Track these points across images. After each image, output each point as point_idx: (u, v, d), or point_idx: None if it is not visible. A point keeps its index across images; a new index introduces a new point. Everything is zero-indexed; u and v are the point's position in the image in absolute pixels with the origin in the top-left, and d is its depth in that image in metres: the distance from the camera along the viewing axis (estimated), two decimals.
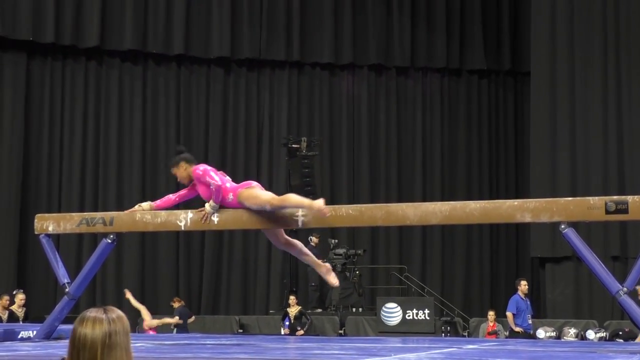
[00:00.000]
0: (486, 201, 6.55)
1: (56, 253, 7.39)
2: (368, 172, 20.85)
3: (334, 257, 17.28)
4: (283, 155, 19.43)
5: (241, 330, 16.81)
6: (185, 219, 6.79)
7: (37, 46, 18.86)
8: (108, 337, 2.59)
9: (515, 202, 6.27)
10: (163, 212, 7.04)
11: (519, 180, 21.28)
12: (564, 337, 15.25)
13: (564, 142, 18.56)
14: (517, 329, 14.14)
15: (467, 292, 20.71)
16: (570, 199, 6.30)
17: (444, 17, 21.17)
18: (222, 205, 6.66)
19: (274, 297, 19.77)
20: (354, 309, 17.16)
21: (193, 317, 16.41)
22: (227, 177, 6.80)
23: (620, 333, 15.20)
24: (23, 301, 14.72)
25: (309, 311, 16.65)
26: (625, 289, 5.80)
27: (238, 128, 20.40)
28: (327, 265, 7.11)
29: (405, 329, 15.60)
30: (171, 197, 7.00)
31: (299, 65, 20.76)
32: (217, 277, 19.94)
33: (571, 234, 5.96)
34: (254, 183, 6.75)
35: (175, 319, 15.80)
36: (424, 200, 18.96)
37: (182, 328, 15.79)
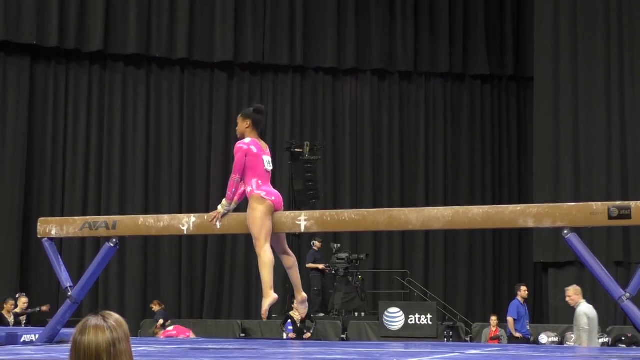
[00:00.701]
0: (489, 206, 6.54)
1: (59, 257, 7.39)
2: (371, 176, 20.85)
3: (337, 261, 17.28)
4: (286, 160, 19.44)
5: (243, 335, 16.81)
6: (188, 223, 6.79)
7: (41, 50, 18.89)
8: (113, 346, 2.55)
9: (518, 207, 6.26)
10: (166, 216, 7.04)
11: (522, 185, 21.28)
12: (567, 343, 15.23)
13: (567, 147, 18.54)
14: (517, 335, 14.13)
15: (469, 297, 20.70)
16: (573, 204, 6.29)
17: (447, 22, 21.18)
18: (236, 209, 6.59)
19: (276, 301, 19.74)
20: (356, 314, 17.15)
21: (170, 322, 16.45)
22: (266, 167, 6.49)
23: (623, 338, 15.19)
24: (26, 305, 14.74)
25: (312, 315, 16.64)
26: (628, 294, 5.79)
27: None
28: (304, 295, 7.01)
29: (408, 334, 15.58)
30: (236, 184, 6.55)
31: (302, 69, 20.78)
32: (220, 281, 19.94)
33: (574, 239, 5.95)
34: (273, 198, 6.45)
35: (161, 322, 15.93)
36: (427, 205, 18.97)
37: None
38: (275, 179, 20.09)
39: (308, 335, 15.35)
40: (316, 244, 17.68)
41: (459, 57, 21.24)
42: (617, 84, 18.37)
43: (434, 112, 21.37)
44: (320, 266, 17.49)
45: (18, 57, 18.82)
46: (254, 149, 6.49)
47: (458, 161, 21.28)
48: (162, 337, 14.68)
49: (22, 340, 7.33)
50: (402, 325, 15.99)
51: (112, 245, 7.04)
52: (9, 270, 18.12)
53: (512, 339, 14.14)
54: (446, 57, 21.11)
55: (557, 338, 15.47)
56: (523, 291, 14.22)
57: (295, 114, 20.80)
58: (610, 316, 17.27)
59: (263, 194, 6.44)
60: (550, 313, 18.59)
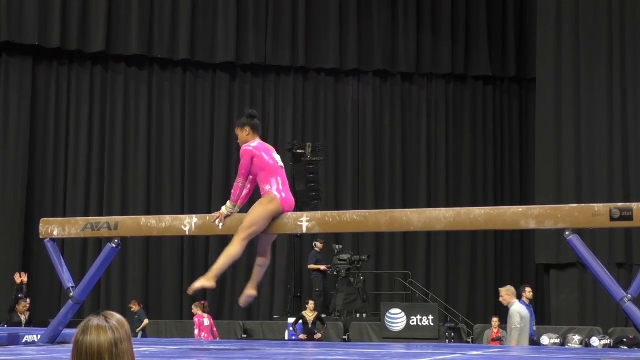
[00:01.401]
0: (491, 207, 6.54)
1: (61, 257, 7.39)
2: (372, 177, 20.85)
3: (339, 262, 17.28)
4: (288, 161, 19.40)
5: (245, 336, 16.81)
6: (190, 224, 6.79)
7: (43, 51, 18.91)
8: (115, 346, 2.55)
9: (520, 208, 6.26)
10: (168, 217, 7.04)
11: (524, 186, 21.27)
12: (568, 344, 15.22)
13: (569, 148, 18.54)
14: None
15: (471, 298, 20.69)
16: (574, 205, 6.29)
17: (449, 23, 21.18)
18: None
19: (278, 302, 19.78)
20: (358, 315, 17.15)
21: (147, 322, 16.57)
22: (279, 163, 6.50)
23: (625, 340, 15.18)
24: (27, 305, 14.73)
25: (323, 316, 16.64)
26: (629, 296, 5.79)
27: None
28: (254, 293, 6.96)
29: (409, 335, 15.58)
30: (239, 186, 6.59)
31: (304, 70, 20.79)
32: (221, 282, 19.91)
33: (576, 240, 5.95)
34: (283, 195, 6.43)
35: (147, 322, 16.16)
36: (429, 206, 18.98)
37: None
38: None
39: (319, 336, 15.37)
40: (318, 245, 17.68)
41: (461, 58, 21.24)
42: (619, 85, 18.36)
43: (435, 113, 21.36)
44: (322, 267, 17.50)
45: (20, 58, 18.84)
46: (261, 150, 6.50)
47: (460, 162, 21.28)
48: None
49: (24, 341, 7.33)
50: (403, 326, 15.99)
51: (114, 246, 7.04)
52: (11, 271, 18.10)
53: None
54: (448, 59, 21.10)
55: (558, 339, 15.46)
56: (528, 292, 14.21)
57: (297, 115, 20.81)
58: (612, 318, 17.26)
59: (278, 196, 6.42)
60: (552, 314, 18.58)
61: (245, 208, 6.77)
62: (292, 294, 18.48)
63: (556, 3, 18.99)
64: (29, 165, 18.72)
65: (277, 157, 6.61)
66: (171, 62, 19.94)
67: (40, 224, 7.33)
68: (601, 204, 6.03)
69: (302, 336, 15.44)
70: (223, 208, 6.61)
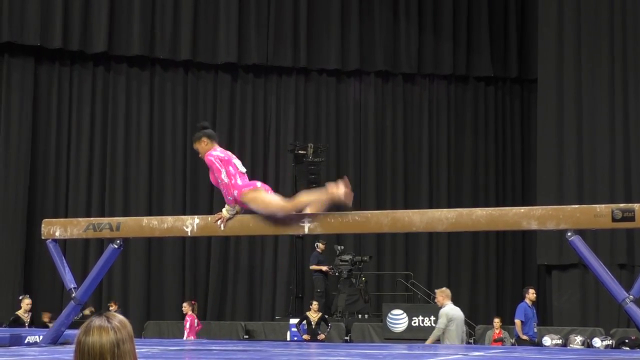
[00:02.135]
0: (492, 208, 6.55)
1: (63, 258, 7.40)
2: (374, 178, 20.85)
3: (340, 263, 17.27)
4: (289, 161, 19.45)
5: (247, 336, 16.81)
6: (191, 224, 6.79)
7: (45, 51, 18.92)
8: (116, 346, 2.56)
9: (522, 209, 6.26)
10: (170, 218, 7.05)
11: (526, 187, 21.26)
12: (570, 345, 15.22)
13: (571, 149, 18.54)
14: (524, 337, 14.12)
15: (473, 299, 20.66)
16: (576, 206, 6.29)
17: (450, 23, 21.17)
18: (247, 211, 6.62)
19: (279, 303, 19.77)
20: (359, 316, 17.14)
21: None
22: (240, 168, 6.66)
23: (627, 341, 15.17)
24: (29, 306, 14.75)
25: (326, 317, 16.64)
26: (631, 296, 5.79)
27: (245, 134, 20.43)
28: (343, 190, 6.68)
29: (411, 336, 15.57)
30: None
31: (305, 71, 20.79)
32: (223, 283, 19.95)
33: (578, 241, 5.95)
34: (259, 184, 6.65)
35: None
36: (431, 206, 18.96)
37: None
38: (279, 181, 20.11)
39: (322, 336, 15.36)
40: (320, 246, 17.67)
41: (462, 59, 21.23)
42: (621, 86, 18.36)
43: (437, 114, 21.36)
44: (324, 268, 17.49)
45: (22, 59, 18.85)
46: (222, 155, 6.63)
47: (461, 163, 21.27)
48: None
49: (26, 342, 7.34)
50: (405, 327, 15.98)
51: (116, 246, 7.05)
52: (13, 272, 18.14)
53: (519, 341, 14.14)
54: (450, 59, 21.10)
55: (560, 340, 15.45)
56: (531, 294, 14.22)
57: (299, 115, 20.81)
58: (614, 319, 17.26)
59: (250, 187, 6.55)
60: (554, 315, 18.58)
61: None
62: (294, 295, 18.47)
63: (558, 4, 18.99)
64: (31, 166, 18.72)
65: (239, 163, 6.73)
66: (173, 62, 19.94)
67: (42, 225, 7.34)
68: (603, 205, 6.04)
69: (305, 337, 15.46)
70: (224, 210, 6.63)
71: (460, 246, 20.78)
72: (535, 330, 14.40)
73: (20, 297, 15.15)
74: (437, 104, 21.39)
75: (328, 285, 17.84)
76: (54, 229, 7.25)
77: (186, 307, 15.87)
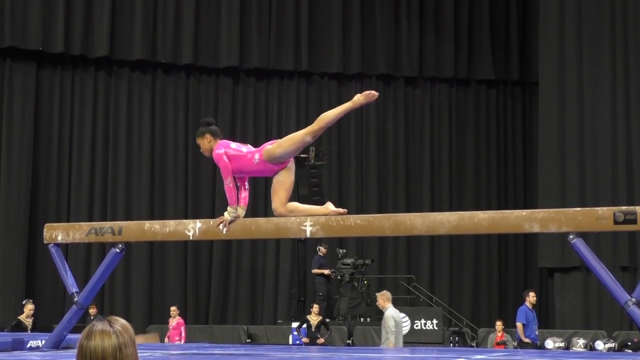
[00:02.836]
0: (494, 211, 6.54)
1: (65, 262, 7.40)
2: (376, 182, 20.84)
3: (342, 266, 17.27)
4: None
5: (249, 340, 16.81)
6: (193, 228, 6.79)
7: (47, 56, 18.94)
8: (119, 350, 2.56)
9: (524, 212, 6.26)
10: (172, 222, 7.05)
11: (527, 190, 21.25)
12: (573, 348, 15.21)
13: (572, 152, 18.54)
14: (526, 340, 14.12)
15: (475, 302, 20.66)
16: (578, 209, 6.29)
17: (452, 27, 21.18)
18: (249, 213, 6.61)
19: (281, 307, 19.76)
20: (362, 319, 17.14)
21: None
22: (248, 147, 6.62)
23: (629, 343, 15.16)
24: (32, 311, 14.74)
25: (327, 320, 16.64)
26: (634, 299, 5.79)
27: (246, 137, 20.38)
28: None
29: (414, 339, 15.58)
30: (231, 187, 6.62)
31: (307, 75, 20.79)
32: (225, 287, 19.94)
33: (580, 244, 5.95)
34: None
35: None
36: (432, 210, 18.97)
37: None
38: None
39: (321, 340, 15.36)
40: (322, 250, 17.68)
41: (464, 62, 21.24)
42: (623, 88, 18.36)
43: (439, 117, 21.36)
44: (326, 272, 17.49)
45: (24, 63, 18.86)
46: (230, 149, 6.56)
47: (463, 166, 21.26)
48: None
49: (28, 346, 7.34)
50: (407, 330, 15.98)
51: (118, 250, 7.05)
52: (15, 276, 18.14)
53: (521, 344, 14.14)
54: (451, 62, 21.10)
55: (563, 343, 15.44)
56: (532, 297, 14.23)
57: (301, 119, 20.78)
58: (616, 321, 17.25)
59: (266, 143, 6.62)
60: (556, 318, 18.57)
61: (248, 211, 6.77)
62: (296, 299, 18.47)
63: (559, 7, 19.00)
64: (32, 170, 18.73)
65: (237, 145, 6.66)
66: (175, 66, 19.96)
67: (44, 229, 7.35)
68: (605, 208, 6.03)
69: (304, 339, 15.46)
70: (225, 214, 6.59)
71: (463, 249, 20.77)
72: (537, 333, 14.41)
73: (24, 302, 15.14)
74: (439, 107, 21.39)
75: (330, 289, 17.84)
76: (56, 233, 7.25)
77: (175, 311, 15.92)
